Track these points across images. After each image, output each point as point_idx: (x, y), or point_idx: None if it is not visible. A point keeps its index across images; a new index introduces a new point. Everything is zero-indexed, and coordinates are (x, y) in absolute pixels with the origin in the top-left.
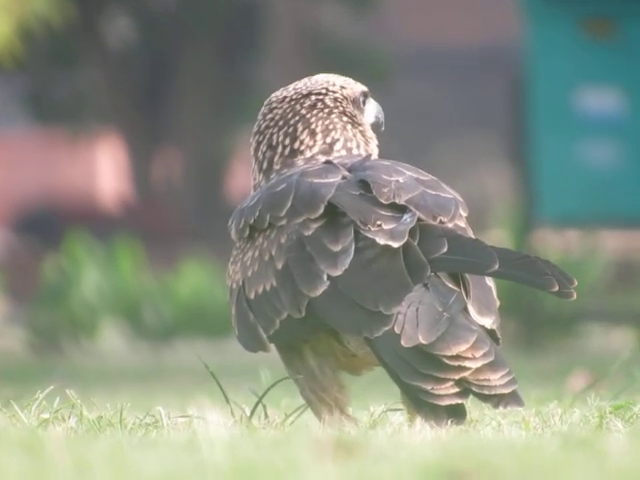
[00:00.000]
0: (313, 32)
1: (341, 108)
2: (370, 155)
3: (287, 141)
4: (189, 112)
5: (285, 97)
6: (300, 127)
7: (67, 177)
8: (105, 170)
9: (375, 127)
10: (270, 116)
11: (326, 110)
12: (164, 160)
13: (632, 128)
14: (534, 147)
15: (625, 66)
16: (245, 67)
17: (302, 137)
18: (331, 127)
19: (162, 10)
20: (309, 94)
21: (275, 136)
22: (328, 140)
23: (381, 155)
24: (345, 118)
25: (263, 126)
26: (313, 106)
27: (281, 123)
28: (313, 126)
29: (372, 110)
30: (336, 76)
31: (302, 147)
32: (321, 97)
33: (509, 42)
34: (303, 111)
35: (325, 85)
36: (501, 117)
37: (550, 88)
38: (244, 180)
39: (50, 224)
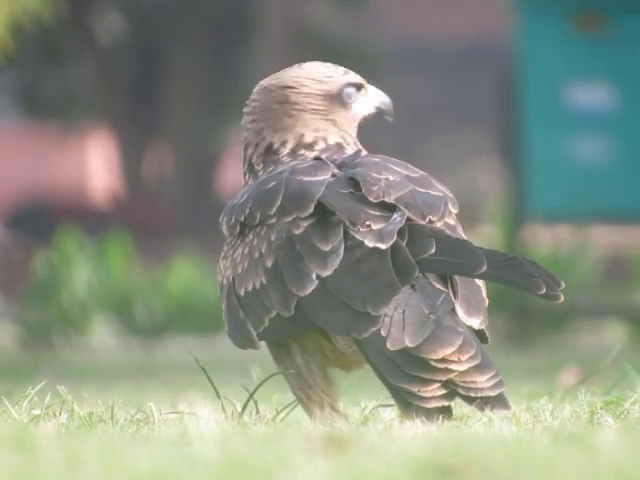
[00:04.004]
0: (303, 27)
1: (308, 105)
2: (360, 151)
3: (258, 139)
4: (180, 107)
5: (264, 89)
6: (271, 123)
7: (58, 173)
8: (96, 166)
9: (379, 118)
10: (249, 110)
11: (296, 106)
12: (155, 156)
13: (622, 123)
14: (524, 142)
15: (615, 61)
16: (236, 62)
17: (270, 134)
18: (299, 124)
19: (152, 6)
20: (283, 87)
21: (251, 133)
22: (297, 133)
23: (372, 150)
24: (316, 115)
25: (243, 122)
26: (283, 101)
27: (258, 118)
28: (281, 123)
29: (368, 102)
30: (322, 66)
31: (275, 145)
32: (292, 91)
33: (499, 37)
34: (275, 106)
35: (299, 78)
36: (491, 112)
37: (540, 83)
38: (235, 176)
39: (41, 219)
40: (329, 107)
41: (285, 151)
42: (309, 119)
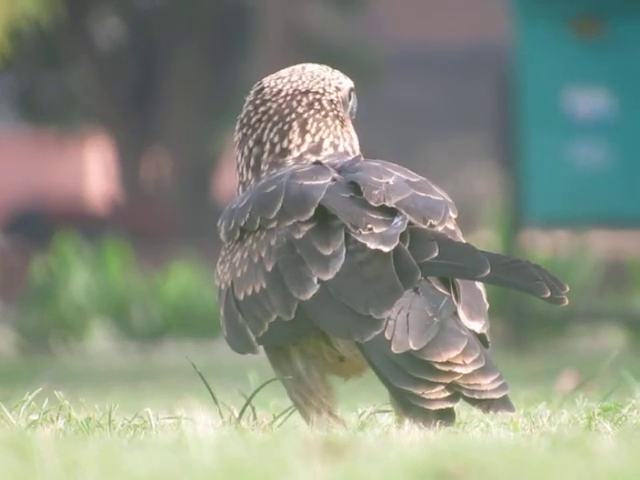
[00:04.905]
0: (302, 31)
1: (335, 112)
2: (360, 156)
3: (277, 139)
4: (178, 112)
5: (280, 91)
6: (295, 126)
7: (56, 177)
8: (94, 170)
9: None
10: (263, 109)
11: (322, 112)
12: (153, 160)
13: (621, 128)
14: (523, 147)
15: (614, 66)
16: (234, 67)
17: (293, 136)
18: (324, 128)
19: (151, 10)
20: (307, 92)
21: (267, 132)
22: (317, 139)
23: (369, 155)
24: (337, 121)
25: (254, 119)
26: (310, 105)
27: (276, 119)
28: (308, 126)
29: (352, 103)
30: (329, 72)
31: (291, 146)
32: (319, 97)
33: (497, 42)
34: (300, 109)
35: (322, 85)
36: (489, 117)
37: (538, 88)
38: (232, 180)
39: (38, 224)
40: (344, 114)
41: (296, 154)
42: (332, 125)
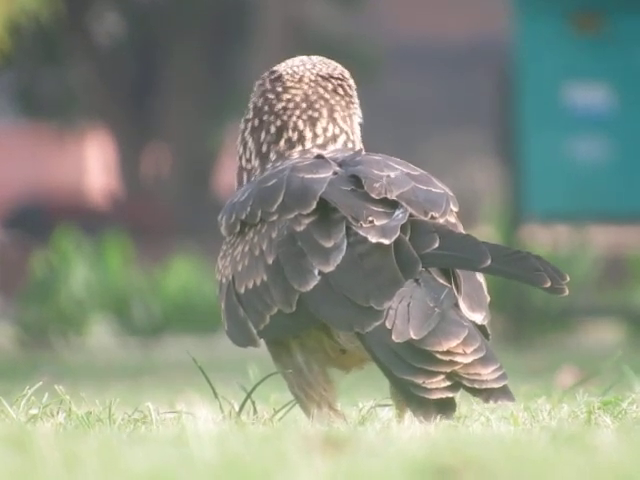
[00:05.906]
0: (302, 26)
1: (354, 98)
2: (361, 149)
3: (303, 126)
4: (177, 108)
5: (302, 77)
6: (325, 113)
7: (56, 172)
8: (94, 166)
9: None
10: (287, 96)
11: (347, 98)
12: (152, 156)
13: (621, 123)
14: (522, 143)
15: (613, 61)
16: (233, 63)
17: (323, 124)
18: (347, 116)
19: (150, 6)
20: (329, 77)
21: (294, 119)
22: (345, 128)
23: (369, 150)
24: (353, 108)
25: (279, 107)
26: (335, 91)
27: (304, 106)
28: (335, 114)
29: None
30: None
31: (308, 135)
32: (340, 83)
33: (497, 37)
34: (327, 95)
35: (340, 71)
36: (489, 112)
37: (538, 83)
38: (232, 176)
39: (38, 219)
40: (356, 104)
41: (307, 146)
42: (348, 116)
